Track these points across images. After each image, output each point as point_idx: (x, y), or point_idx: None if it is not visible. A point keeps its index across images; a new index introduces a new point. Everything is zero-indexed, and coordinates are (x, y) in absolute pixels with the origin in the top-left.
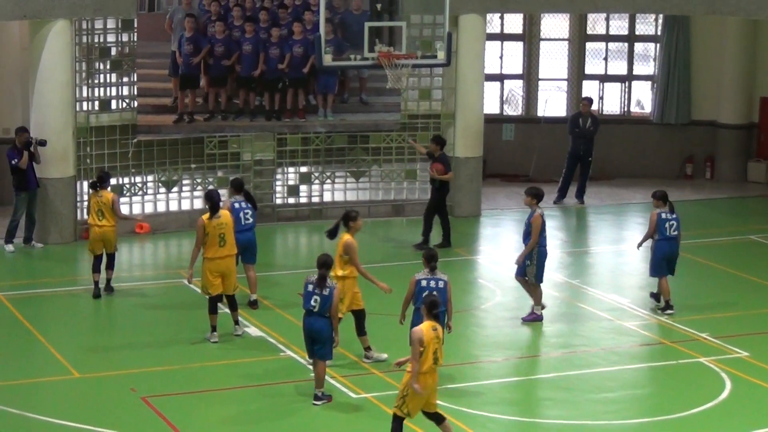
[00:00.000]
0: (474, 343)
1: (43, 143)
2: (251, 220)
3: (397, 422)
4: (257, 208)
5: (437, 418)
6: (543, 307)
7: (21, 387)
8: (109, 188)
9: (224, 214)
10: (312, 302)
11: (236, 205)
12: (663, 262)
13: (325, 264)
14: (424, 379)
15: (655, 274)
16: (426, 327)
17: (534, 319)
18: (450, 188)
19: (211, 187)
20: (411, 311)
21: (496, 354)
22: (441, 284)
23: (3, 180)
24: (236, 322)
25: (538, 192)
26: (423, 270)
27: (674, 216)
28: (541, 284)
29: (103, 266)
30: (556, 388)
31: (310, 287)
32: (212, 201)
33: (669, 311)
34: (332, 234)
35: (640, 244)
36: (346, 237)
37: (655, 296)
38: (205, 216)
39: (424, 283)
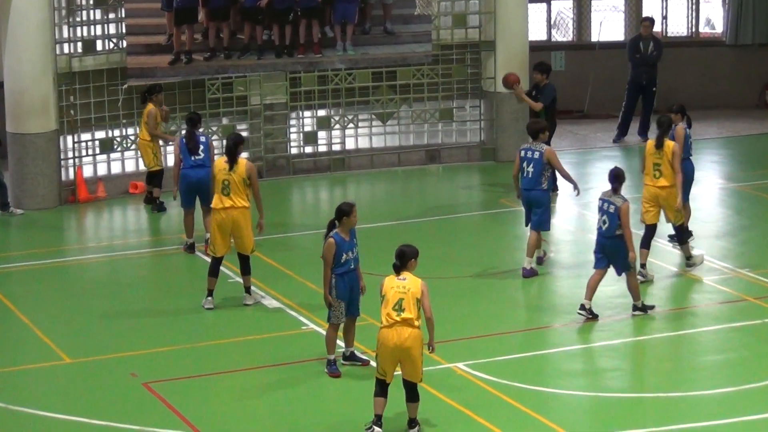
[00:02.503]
0: (525, 308)
1: None
2: (203, 155)
3: (378, 385)
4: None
5: (410, 393)
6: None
7: (4, 376)
8: (157, 98)
9: (241, 162)
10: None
11: (185, 140)
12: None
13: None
14: (385, 334)
15: (688, 198)
16: (390, 276)
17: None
18: (556, 123)
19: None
20: None
21: (552, 319)
22: (612, 209)
23: None
24: (247, 290)
25: (542, 126)
26: (607, 191)
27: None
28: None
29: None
30: (623, 357)
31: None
32: (226, 146)
33: (691, 238)
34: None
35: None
36: None
37: (679, 236)
38: (221, 159)
39: (599, 204)
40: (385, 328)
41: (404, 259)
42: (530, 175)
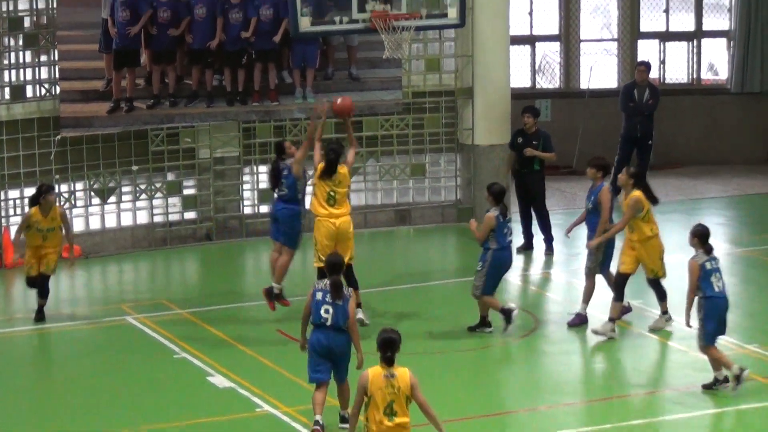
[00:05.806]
0: (504, 389)
1: None
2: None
3: None
4: None
5: None
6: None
7: None
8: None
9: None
10: (323, 313)
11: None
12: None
13: (336, 267)
14: None
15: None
16: (374, 372)
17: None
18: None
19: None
20: None
21: (536, 401)
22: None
23: None
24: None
25: (602, 163)
26: (697, 252)
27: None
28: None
29: None
30: None
31: (320, 295)
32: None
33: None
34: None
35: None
36: None
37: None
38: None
39: (708, 265)
40: None
41: (395, 349)
42: None
